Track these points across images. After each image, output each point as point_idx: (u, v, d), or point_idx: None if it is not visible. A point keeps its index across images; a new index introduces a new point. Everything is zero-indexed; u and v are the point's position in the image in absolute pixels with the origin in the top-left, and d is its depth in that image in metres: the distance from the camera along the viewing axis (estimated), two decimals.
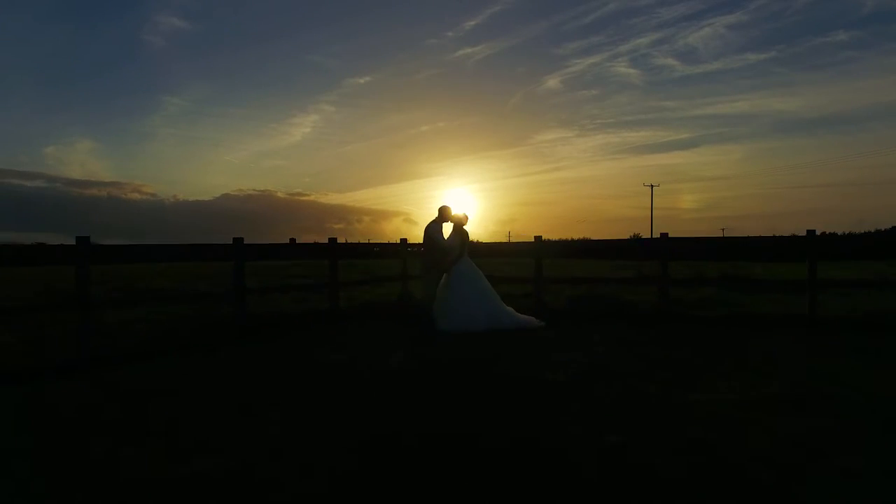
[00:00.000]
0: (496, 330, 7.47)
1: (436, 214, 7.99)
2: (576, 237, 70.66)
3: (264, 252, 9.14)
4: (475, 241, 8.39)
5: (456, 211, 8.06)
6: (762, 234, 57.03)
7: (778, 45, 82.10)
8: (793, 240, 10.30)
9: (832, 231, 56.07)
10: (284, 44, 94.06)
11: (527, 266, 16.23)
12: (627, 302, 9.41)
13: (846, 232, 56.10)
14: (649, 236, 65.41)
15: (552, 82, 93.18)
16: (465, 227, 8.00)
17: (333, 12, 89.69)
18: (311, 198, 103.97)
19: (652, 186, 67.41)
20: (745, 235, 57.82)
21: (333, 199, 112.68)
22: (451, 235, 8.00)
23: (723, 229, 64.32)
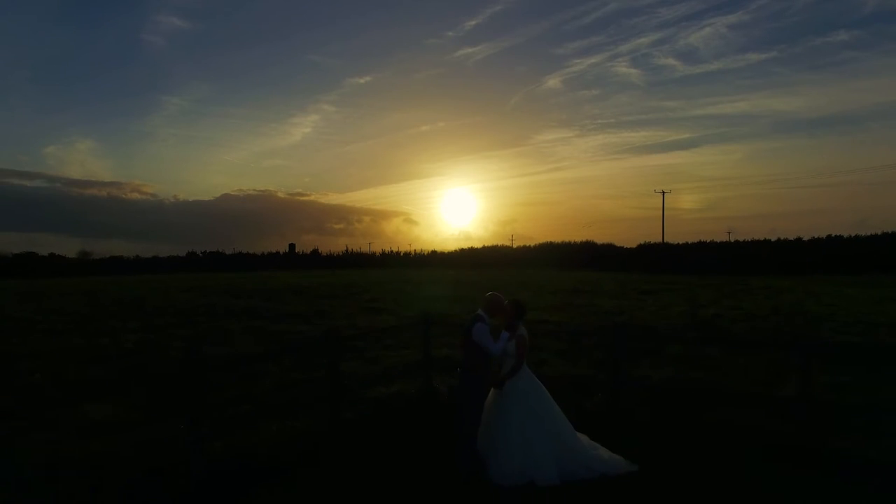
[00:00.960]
0: (570, 482, 5.16)
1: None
2: (578, 240, 68.55)
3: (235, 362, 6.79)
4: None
5: (494, 295, 5.64)
6: (765, 237, 54.81)
7: (779, 45, 79.98)
8: None
9: (837, 234, 53.94)
10: (284, 44, 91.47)
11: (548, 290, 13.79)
12: (741, 408, 7.03)
13: (852, 234, 53.91)
14: (660, 240, 63.41)
15: (552, 82, 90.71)
16: (521, 325, 5.60)
17: (333, 12, 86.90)
18: (311, 198, 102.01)
19: (664, 193, 65.54)
20: (751, 238, 55.68)
21: (333, 199, 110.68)
22: (502, 336, 5.60)
23: (729, 232, 62.48)
